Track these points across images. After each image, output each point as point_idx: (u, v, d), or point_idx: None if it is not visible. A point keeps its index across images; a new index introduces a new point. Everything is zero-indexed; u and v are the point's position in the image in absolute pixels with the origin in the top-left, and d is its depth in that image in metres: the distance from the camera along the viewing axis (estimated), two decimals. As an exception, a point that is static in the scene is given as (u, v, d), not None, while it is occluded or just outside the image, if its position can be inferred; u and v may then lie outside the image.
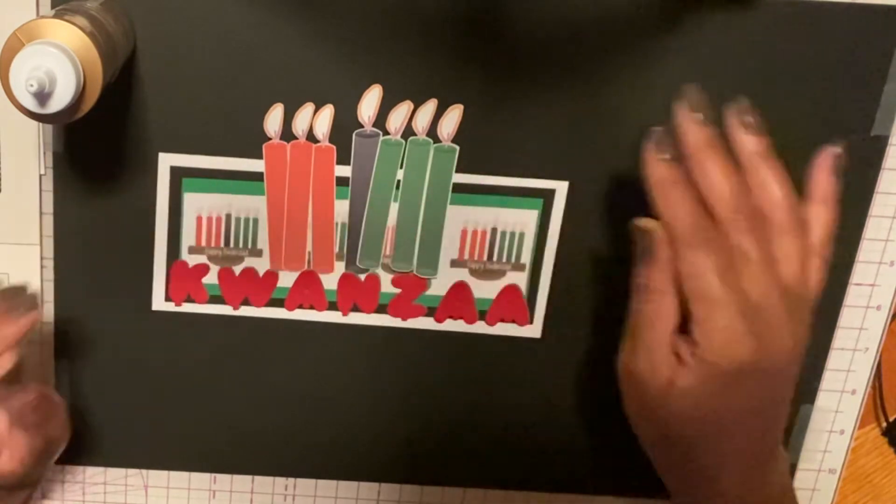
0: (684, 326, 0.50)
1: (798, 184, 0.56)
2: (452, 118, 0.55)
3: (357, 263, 0.58)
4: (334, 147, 0.55)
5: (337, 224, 0.57)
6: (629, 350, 0.53)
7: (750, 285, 0.48)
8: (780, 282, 0.49)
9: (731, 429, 0.51)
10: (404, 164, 0.56)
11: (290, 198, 0.56)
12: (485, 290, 0.59)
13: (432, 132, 0.55)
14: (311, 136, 0.55)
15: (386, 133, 0.55)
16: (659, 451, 0.55)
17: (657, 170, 0.50)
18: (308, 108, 0.54)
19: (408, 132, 0.55)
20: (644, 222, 0.51)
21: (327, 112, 0.54)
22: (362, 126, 0.55)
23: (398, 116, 0.55)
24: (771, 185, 0.49)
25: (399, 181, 0.56)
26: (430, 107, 0.54)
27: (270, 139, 0.55)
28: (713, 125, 0.49)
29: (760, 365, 0.49)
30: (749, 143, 0.50)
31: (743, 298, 0.48)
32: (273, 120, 0.54)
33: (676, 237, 0.49)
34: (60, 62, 0.43)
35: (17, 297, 0.51)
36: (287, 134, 0.55)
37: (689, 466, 0.53)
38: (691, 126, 0.49)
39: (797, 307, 0.49)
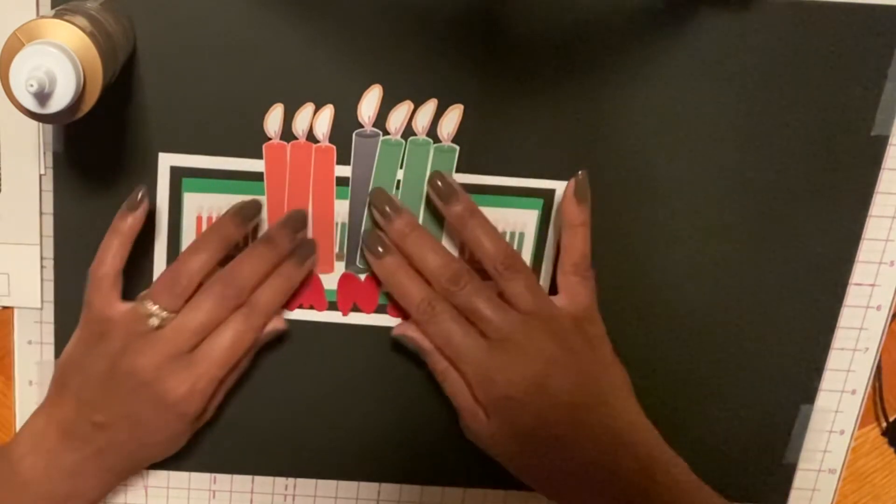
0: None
1: (798, 183, 0.56)
2: (452, 118, 0.55)
3: (357, 263, 0.58)
4: (334, 147, 0.55)
5: (337, 224, 0.57)
6: (464, 425, 0.57)
7: (491, 329, 0.53)
8: (520, 313, 0.54)
9: (564, 446, 0.54)
10: (404, 165, 0.56)
11: (290, 198, 0.56)
12: (485, 290, 0.59)
13: (432, 132, 0.55)
14: (310, 136, 0.55)
15: (386, 133, 0.55)
16: (546, 492, 0.57)
17: (379, 267, 0.56)
18: (308, 108, 0.54)
19: (408, 132, 0.55)
20: (400, 330, 0.57)
21: (327, 112, 0.54)
22: (362, 126, 0.55)
23: (398, 116, 0.55)
24: (481, 239, 0.54)
25: (399, 181, 0.56)
26: (430, 107, 0.54)
27: (270, 139, 0.55)
28: (405, 212, 0.55)
29: (539, 380, 0.53)
30: (452, 209, 0.55)
31: (491, 341, 0.54)
32: (273, 120, 0.54)
33: (416, 318, 0.55)
34: (60, 62, 0.43)
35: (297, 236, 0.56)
36: (287, 134, 0.55)
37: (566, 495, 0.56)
38: (388, 222, 0.55)
39: (553, 324, 0.54)
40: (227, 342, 0.53)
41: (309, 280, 0.58)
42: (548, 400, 0.53)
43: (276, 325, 0.56)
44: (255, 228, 0.57)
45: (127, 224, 0.54)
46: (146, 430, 0.54)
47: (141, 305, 0.53)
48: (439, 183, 0.55)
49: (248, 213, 0.55)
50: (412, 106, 0.54)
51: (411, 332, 0.56)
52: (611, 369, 0.56)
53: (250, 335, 0.54)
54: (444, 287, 0.54)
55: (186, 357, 0.53)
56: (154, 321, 0.53)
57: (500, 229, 0.57)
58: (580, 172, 0.55)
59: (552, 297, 0.55)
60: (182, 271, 0.54)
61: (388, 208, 0.55)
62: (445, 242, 0.57)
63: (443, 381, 0.57)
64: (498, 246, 0.54)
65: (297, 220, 0.55)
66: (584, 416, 0.54)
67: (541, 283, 0.58)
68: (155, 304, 0.53)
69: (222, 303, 0.53)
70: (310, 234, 0.57)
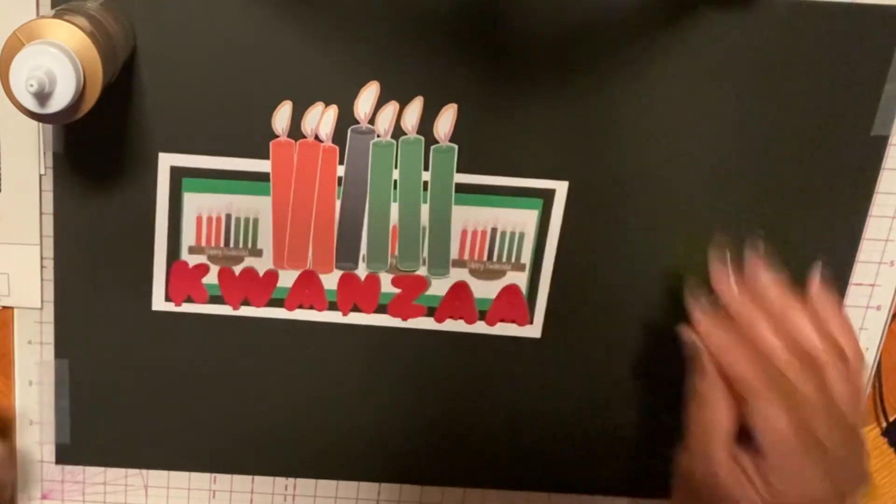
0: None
1: (798, 183, 0.56)
2: (448, 118, 0.55)
3: (367, 268, 0.58)
4: (337, 147, 0.55)
5: (337, 224, 0.57)
6: (688, 454, 0.53)
7: (816, 426, 0.49)
8: (841, 420, 0.50)
9: None
10: (399, 164, 0.56)
11: (295, 196, 0.56)
12: (485, 290, 0.59)
13: (427, 131, 0.55)
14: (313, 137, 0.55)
15: (377, 136, 0.55)
16: None
17: (713, 338, 0.52)
18: (317, 107, 0.54)
19: (398, 132, 0.55)
20: (688, 334, 0.53)
21: (331, 112, 0.54)
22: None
23: (385, 118, 0.54)
24: (806, 330, 0.51)
25: (395, 181, 0.56)
26: (416, 105, 0.54)
27: (278, 136, 0.55)
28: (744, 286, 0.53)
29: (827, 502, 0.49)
30: (772, 290, 0.53)
31: (811, 440, 0.49)
32: (281, 117, 0.54)
33: (745, 389, 0.50)
34: (60, 62, 0.43)
35: None
36: (293, 132, 0.55)
37: None
38: (731, 297, 0.53)
39: (854, 439, 0.51)
40: None
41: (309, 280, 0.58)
42: None
43: None
44: (255, 239, 0.57)
45: None
46: None
47: None
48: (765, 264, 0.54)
49: None
50: (398, 106, 0.54)
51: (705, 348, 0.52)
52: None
53: None
54: (788, 373, 0.50)
55: None
56: None
57: (499, 230, 0.57)
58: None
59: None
60: None
61: (729, 280, 0.53)
62: (453, 239, 0.57)
63: (705, 411, 0.52)
64: (826, 339, 0.52)
65: None
66: None
67: (540, 285, 0.58)
68: None
69: None
70: (311, 235, 0.57)
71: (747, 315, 0.52)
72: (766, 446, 0.49)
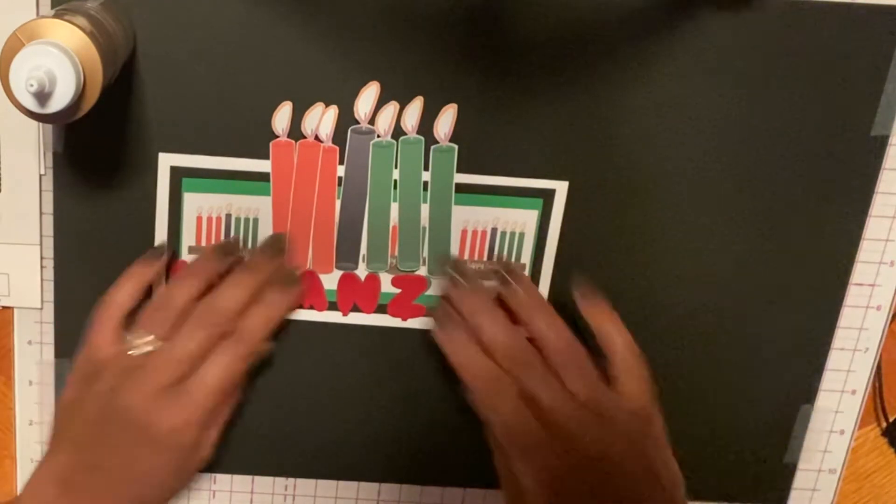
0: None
1: (798, 183, 0.56)
2: (448, 118, 0.55)
3: (367, 268, 0.58)
4: (337, 148, 0.55)
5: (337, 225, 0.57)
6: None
7: (550, 418, 0.52)
8: (577, 401, 0.53)
9: None
10: (399, 164, 0.56)
11: (295, 196, 0.56)
12: (485, 290, 0.59)
13: (428, 132, 0.55)
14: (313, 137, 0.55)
15: (377, 136, 0.55)
16: None
17: (447, 341, 0.56)
18: (317, 107, 0.54)
19: (398, 132, 0.55)
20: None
21: (331, 113, 0.54)
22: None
23: (385, 118, 0.54)
24: (544, 330, 0.55)
25: (395, 181, 0.56)
26: (416, 105, 0.54)
27: (278, 137, 0.55)
28: (481, 285, 0.56)
29: (592, 475, 0.52)
30: (517, 293, 0.56)
31: (548, 428, 0.52)
32: (281, 118, 0.54)
33: (477, 392, 0.54)
34: (60, 62, 0.43)
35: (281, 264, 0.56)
36: (293, 133, 0.55)
37: None
38: (460, 294, 0.56)
39: (608, 420, 0.53)
40: (217, 370, 0.53)
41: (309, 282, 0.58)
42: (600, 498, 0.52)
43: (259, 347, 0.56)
44: (255, 239, 0.57)
45: (144, 271, 0.55)
46: (143, 470, 0.52)
47: (130, 335, 0.53)
48: (513, 269, 0.56)
49: (227, 249, 0.56)
50: (398, 106, 0.54)
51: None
52: (665, 472, 0.54)
53: (239, 364, 0.54)
54: (513, 369, 0.54)
55: (176, 388, 0.52)
56: (146, 348, 0.53)
57: (500, 229, 0.57)
58: (578, 281, 0.56)
59: (613, 393, 0.55)
60: (166, 298, 0.54)
61: (462, 280, 0.56)
62: (453, 239, 0.57)
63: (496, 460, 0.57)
64: (560, 338, 0.55)
65: (275, 245, 0.55)
66: None
67: (540, 285, 0.58)
68: (145, 332, 0.53)
69: (205, 329, 0.53)
70: (312, 235, 0.57)
71: (476, 316, 0.55)
72: (510, 444, 0.54)
